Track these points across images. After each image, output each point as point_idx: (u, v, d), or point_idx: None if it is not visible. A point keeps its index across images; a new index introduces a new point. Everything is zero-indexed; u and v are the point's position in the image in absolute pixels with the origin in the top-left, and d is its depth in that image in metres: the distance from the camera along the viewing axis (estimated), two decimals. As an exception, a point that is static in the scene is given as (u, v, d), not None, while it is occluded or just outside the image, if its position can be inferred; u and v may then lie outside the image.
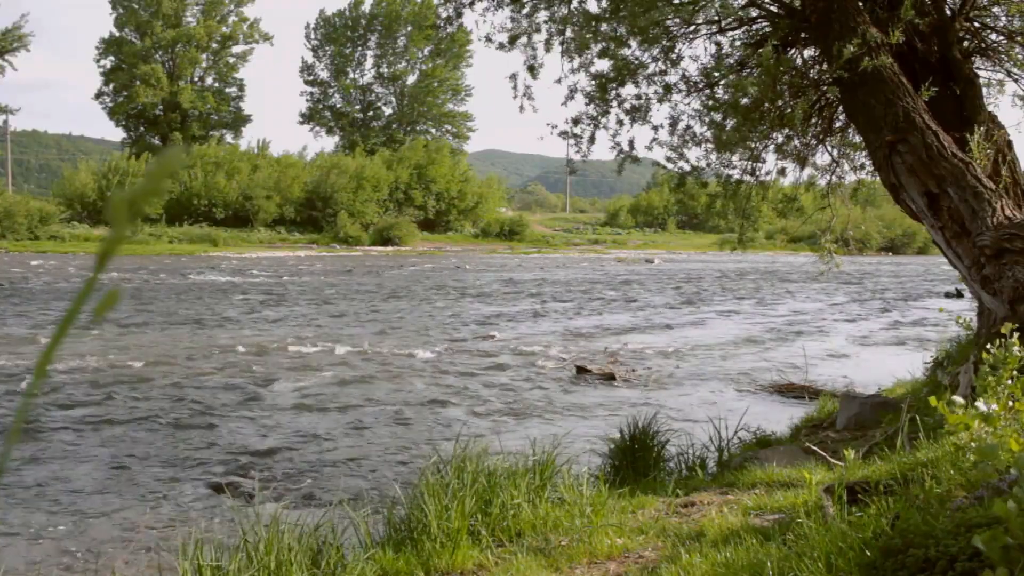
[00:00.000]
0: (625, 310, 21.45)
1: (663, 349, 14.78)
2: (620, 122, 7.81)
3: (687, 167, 8.05)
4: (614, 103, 7.73)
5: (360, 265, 39.04)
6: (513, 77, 7.89)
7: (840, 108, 7.58)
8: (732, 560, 3.61)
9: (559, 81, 7.78)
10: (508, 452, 5.45)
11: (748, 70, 7.16)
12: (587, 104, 7.75)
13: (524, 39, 7.64)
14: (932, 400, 3.62)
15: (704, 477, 5.88)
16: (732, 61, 7.56)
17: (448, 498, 4.57)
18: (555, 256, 52.36)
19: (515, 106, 8.06)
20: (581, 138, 7.95)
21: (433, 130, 76.38)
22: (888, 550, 2.73)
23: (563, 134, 7.93)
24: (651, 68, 7.57)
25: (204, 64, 69.51)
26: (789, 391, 11.06)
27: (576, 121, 7.84)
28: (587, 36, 7.36)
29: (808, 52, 7.41)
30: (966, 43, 7.33)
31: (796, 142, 8.22)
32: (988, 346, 4.00)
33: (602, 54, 7.51)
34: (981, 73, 7.43)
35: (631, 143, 7.90)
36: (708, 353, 14.51)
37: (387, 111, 76.59)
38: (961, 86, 6.88)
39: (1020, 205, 6.41)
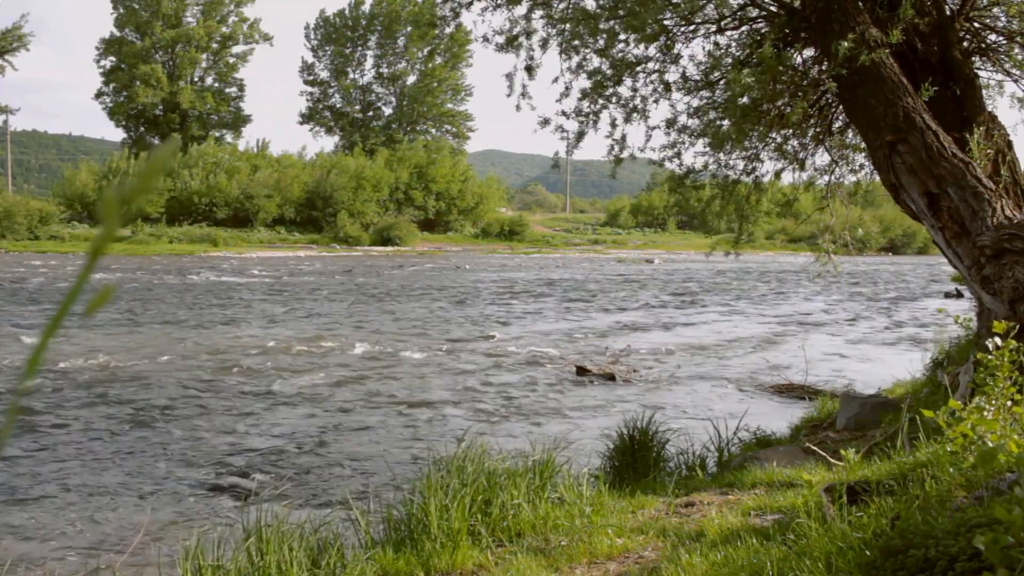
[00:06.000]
0: (625, 310, 21.44)
1: (663, 349, 14.78)
2: (614, 124, 7.77)
3: (685, 167, 8.03)
4: (612, 100, 7.70)
5: (360, 265, 39.03)
6: (509, 76, 7.85)
7: (839, 109, 7.57)
8: (732, 560, 3.61)
9: (555, 80, 7.74)
10: (508, 452, 5.45)
11: (747, 70, 7.14)
12: (580, 100, 7.70)
13: (522, 39, 7.61)
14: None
15: (704, 477, 5.88)
16: (731, 60, 7.54)
17: (448, 498, 4.57)
18: (555, 256, 52.36)
19: (515, 106, 8.01)
20: (568, 133, 7.91)
21: (433, 130, 76.38)
22: (888, 550, 2.73)
23: (546, 122, 7.84)
24: (649, 66, 7.54)
25: (204, 64, 69.55)
26: (789, 391, 11.06)
27: (568, 115, 7.77)
28: (585, 35, 7.33)
29: (807, 52, 7.40)
30: (966, 43, 7.33)
31: (795, 142, 8.21)
32: (988, 344, 3.99)
33: (599, 53, 7.47)
34: (981, 73, 7.42)
35: (623, 139, 7.86)
36: (708, 353, 14.51)
37: (387, 111, 76.64)
38: (961, 86, 6.88)
39: (1020, 205, 6.41)
